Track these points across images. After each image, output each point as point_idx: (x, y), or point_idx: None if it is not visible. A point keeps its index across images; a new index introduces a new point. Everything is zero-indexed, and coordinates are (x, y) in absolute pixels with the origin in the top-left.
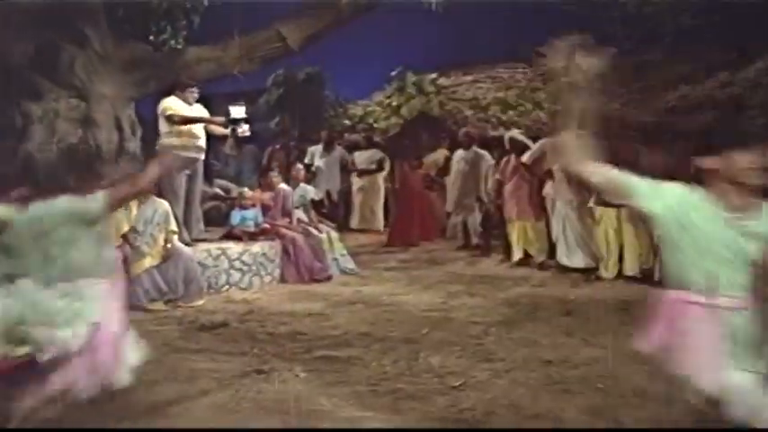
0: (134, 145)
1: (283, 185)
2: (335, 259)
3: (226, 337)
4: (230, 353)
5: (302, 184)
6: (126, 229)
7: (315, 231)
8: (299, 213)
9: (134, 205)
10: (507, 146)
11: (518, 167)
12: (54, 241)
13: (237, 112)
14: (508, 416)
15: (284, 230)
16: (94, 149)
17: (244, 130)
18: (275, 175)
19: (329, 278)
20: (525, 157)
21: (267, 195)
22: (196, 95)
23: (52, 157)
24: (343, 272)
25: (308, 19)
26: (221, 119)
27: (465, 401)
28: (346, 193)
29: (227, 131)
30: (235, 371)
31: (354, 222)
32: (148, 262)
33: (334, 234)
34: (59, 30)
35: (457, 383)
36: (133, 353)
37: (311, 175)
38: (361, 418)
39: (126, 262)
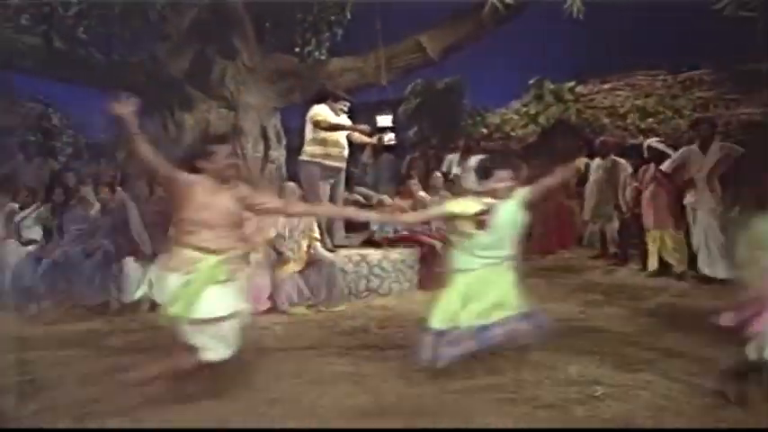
0: (278, 154)
1: (422, 193)
2: None
3: (366, 341)
4: (370, 357)
5: (441, 192)
6: (272, 235)
7: None
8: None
9: None
10: (646, 154)
11: (656, 176)
12: None
13: (384, 120)
14: (649, 426)
15: (423, 237)
16: (241, 158)
17: (390, 138)
18: (414, 183)
19: None
20: (665, 166)
21: (406, 203)
22: (345, 109)
23: None
24: None
25: (448, 29)
26: (367, 127)
27: (605, 411)
28: None
29: (372, 140)
30: (375, 375)
31: None
32: (292, 267)
33: None
34: (212, 43)
35: (596, 393)
36: None
37: (449, 183)
38: (500, 426)
39: (271, 267)
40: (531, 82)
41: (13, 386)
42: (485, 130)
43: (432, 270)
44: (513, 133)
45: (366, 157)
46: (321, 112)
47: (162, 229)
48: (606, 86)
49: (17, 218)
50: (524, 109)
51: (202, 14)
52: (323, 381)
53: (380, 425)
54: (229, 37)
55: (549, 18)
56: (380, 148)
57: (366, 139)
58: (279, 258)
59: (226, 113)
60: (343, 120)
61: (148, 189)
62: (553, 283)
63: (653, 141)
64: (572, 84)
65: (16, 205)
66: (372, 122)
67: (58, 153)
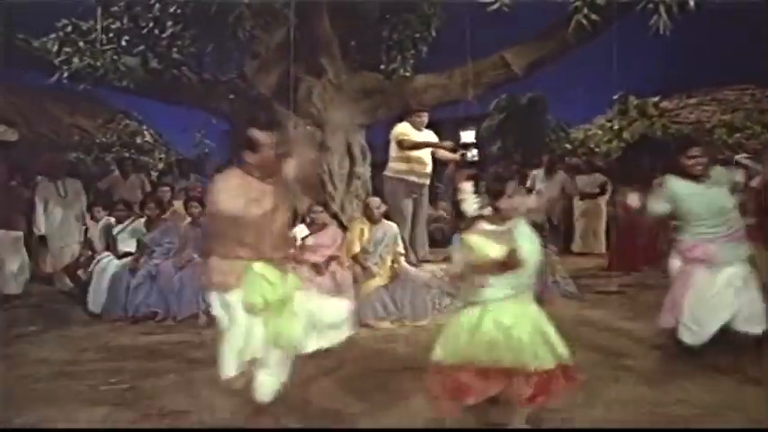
0: (363, 170)
1: None
2: (556, 282)
3: None
4: None
5: None
6: (357, 250)
7: None
8: None
9: (366, 228)
10: None
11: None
12: None
13: (468, 136)
14: None
15: None
16: (327, 173)
17: (473, 154)
18: None
19: (549, 301)
20: (754, 182)
21: None
22: (425, 121)
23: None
24: (564, 295)
25: (533, 45)
26: (450, 143)
27: None
28: (567, 216)
29: (455, 156)
30: None
31: (576, 246)
32: (377, 282)
33: (555, 257)
34: (299, 62)
35: (685, 414)
36: None
37: None
38: None
39: (356, 282)
40: (615, 97)
41: (114, 394)
42: (569, 146)
43: None
44: (596, 149)
45: (450, 172)
46: (404, 130)
47: None
48: (692, 101)
49: (114, 231)
50: (608, 124)
51: (291, 33)
52: (406, 395)
53: None
54: (317, 54)
55: (635, 33)
56: (463, 164)
57: (449, 155)
58: (364, 273)
59: (312, 130)
60: (427, 135)
61: None
62: (638, 301)
63: (741, 157)
64: (657, 99)
65: (112, 219)
66: (457, 138)
67: (150, 169)
